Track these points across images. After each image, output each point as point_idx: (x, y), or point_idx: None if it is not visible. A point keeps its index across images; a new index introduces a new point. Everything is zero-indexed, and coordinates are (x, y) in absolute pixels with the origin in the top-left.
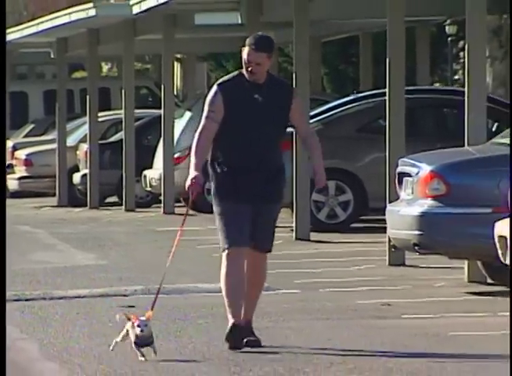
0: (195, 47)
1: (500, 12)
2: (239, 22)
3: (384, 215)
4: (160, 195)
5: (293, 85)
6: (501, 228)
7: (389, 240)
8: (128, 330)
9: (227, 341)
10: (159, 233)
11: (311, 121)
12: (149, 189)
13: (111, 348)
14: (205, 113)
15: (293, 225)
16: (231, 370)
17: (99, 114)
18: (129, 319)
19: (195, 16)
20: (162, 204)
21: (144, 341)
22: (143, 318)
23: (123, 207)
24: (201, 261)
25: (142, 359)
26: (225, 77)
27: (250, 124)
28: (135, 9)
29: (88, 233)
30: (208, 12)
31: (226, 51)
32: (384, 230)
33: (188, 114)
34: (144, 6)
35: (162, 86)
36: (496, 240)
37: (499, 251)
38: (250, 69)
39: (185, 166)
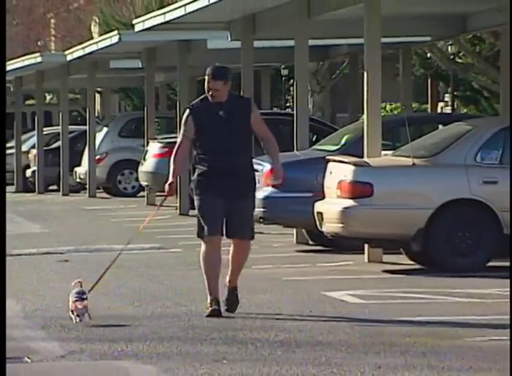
0: (110, 83)
1: (317, 60)
2: (140, 66)
3: None
4: (86, 184)
5: (177, 111)
6: (318, 207)
7: None
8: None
9: (209, 315)
10: (85, 210)
11: None
12: (78, 180)
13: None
14: (181, 132)
15: (178, 204)
16: (134, 303)
17: (44, 129)
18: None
19: (110, 62)
20: (87, 191)
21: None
22: (80, 306)
23: (60, 192)
24: (115, 229)
25: (78, 319)
26: (194, 101)
27: (218, 136)
28: (69, 57)
29: (36, 210)
30: (119, 59)
31: (131, 86)
32: None
33: (105, 129)
34: (75, 55)
35: (87, 110)
36: (315, 214)
37: (317, 223)
38: (210, 93)
39: (104, 165)
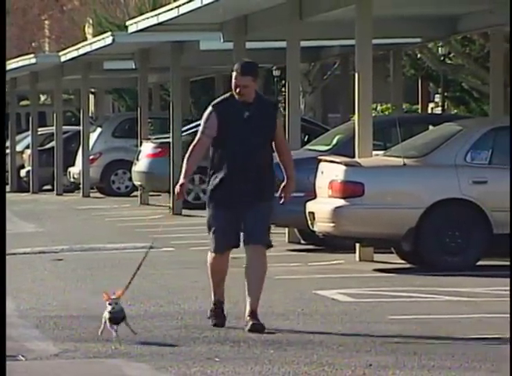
0: (103, 84)
1: (309, 61)
2: (134, 67)
3: None
4: (80, 184)
5: (170, 112)
6: (310, 206)
7: None
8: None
9: (211, 318)
10: (79, 210)
11: (184, 134)
12: (72, 180)
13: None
14: (201, 129)
15: (171, 204)
16: (127, 302)
17: (38, 129)
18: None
19: (104, 63)
20: (81, 191)
21: (116, 317)
22: (114, 296)
23: (54, 192)
24: (109, 229)
25: (114, 334)
26: (219, 99)
27: (241, 137)
28: (63, 58)
29: (30, 210)
30: (113, 60)
31: (125, 86)
32: None
33: (99, 129)
34: (69, 56)
35: (81, 110)
36: (307, 214)
37: (309, 222)
38: (238, 91)
39: (97, 165)
